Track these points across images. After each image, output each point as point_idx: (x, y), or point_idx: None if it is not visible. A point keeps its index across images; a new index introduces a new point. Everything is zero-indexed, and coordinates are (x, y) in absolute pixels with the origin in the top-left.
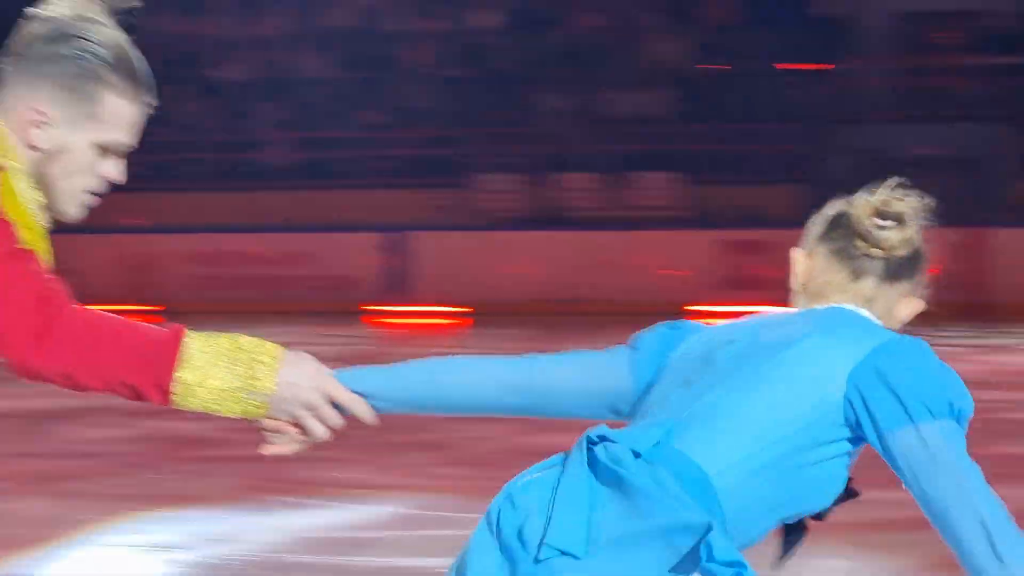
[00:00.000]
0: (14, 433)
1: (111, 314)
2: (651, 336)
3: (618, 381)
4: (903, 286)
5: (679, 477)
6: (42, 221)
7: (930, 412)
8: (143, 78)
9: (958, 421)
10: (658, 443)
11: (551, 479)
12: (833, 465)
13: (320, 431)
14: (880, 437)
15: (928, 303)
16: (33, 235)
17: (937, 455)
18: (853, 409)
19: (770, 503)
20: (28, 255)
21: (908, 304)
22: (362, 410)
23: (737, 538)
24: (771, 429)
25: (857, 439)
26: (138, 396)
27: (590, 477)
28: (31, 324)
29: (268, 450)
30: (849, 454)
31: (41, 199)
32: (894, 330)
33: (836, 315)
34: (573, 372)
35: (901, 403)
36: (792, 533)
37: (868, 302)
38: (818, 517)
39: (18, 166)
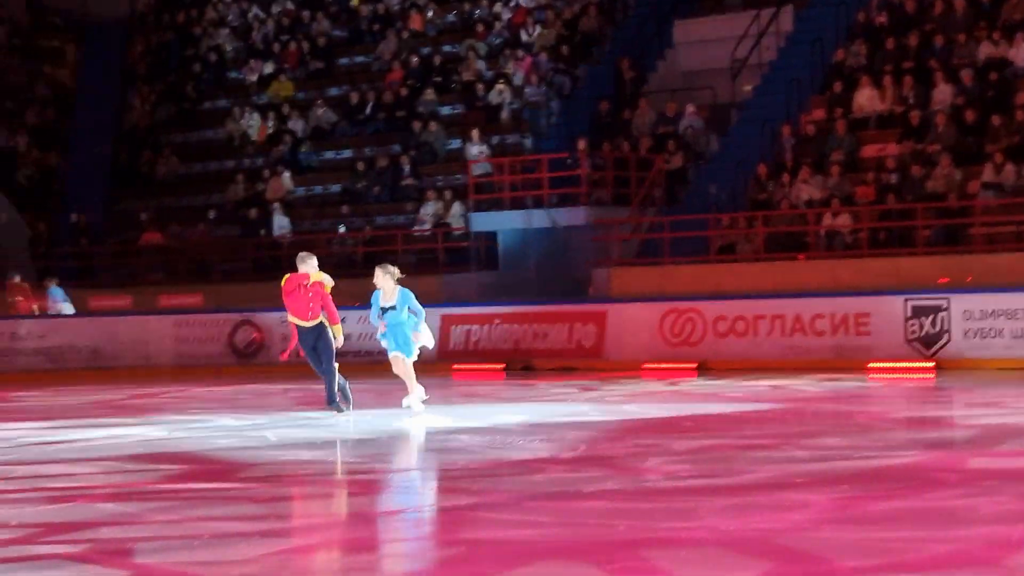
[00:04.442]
0: None
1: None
2: (376, 294)
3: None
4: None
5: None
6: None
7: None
8: None
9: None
10: (398, 321)
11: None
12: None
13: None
14: (410, 309)
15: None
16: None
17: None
18: (408, 303)
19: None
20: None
21: None
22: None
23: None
24: (402, 311)
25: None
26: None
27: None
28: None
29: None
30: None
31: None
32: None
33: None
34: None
35: (413, 298)
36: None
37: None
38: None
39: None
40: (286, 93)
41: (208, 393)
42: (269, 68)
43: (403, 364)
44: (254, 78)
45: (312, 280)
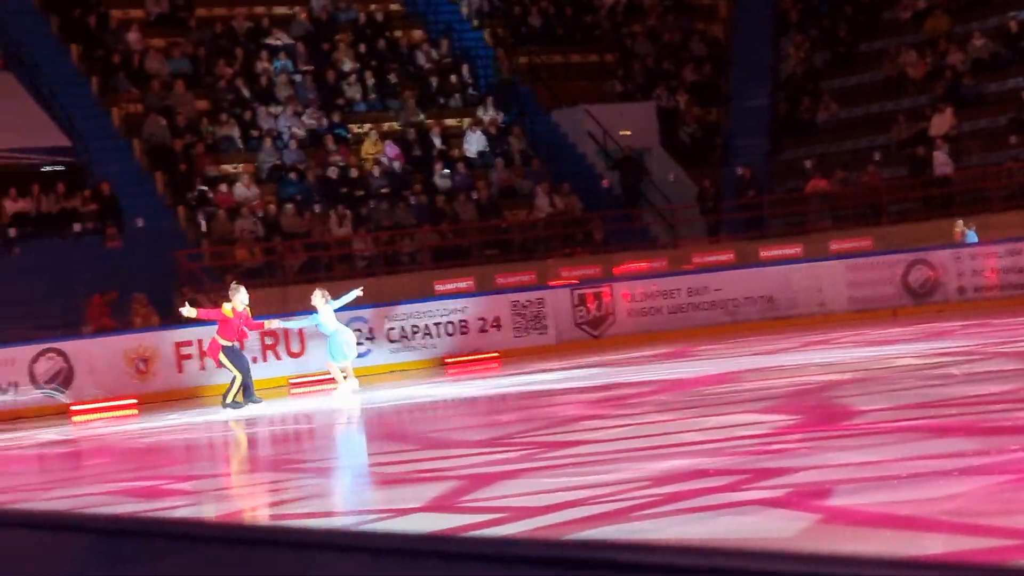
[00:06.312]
0: None
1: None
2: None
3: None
4: None
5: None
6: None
7: None
8: None
9: None
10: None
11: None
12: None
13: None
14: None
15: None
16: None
17: None
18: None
19: None
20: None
21: None
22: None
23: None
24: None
25: None
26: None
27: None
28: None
29: None
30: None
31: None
32: None
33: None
34: None
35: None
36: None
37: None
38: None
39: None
40: (942, 27)
41: (883, 336)
42: (923, 4)
43: (330, 366)
44: (908, 15)
45: (243, 309)
